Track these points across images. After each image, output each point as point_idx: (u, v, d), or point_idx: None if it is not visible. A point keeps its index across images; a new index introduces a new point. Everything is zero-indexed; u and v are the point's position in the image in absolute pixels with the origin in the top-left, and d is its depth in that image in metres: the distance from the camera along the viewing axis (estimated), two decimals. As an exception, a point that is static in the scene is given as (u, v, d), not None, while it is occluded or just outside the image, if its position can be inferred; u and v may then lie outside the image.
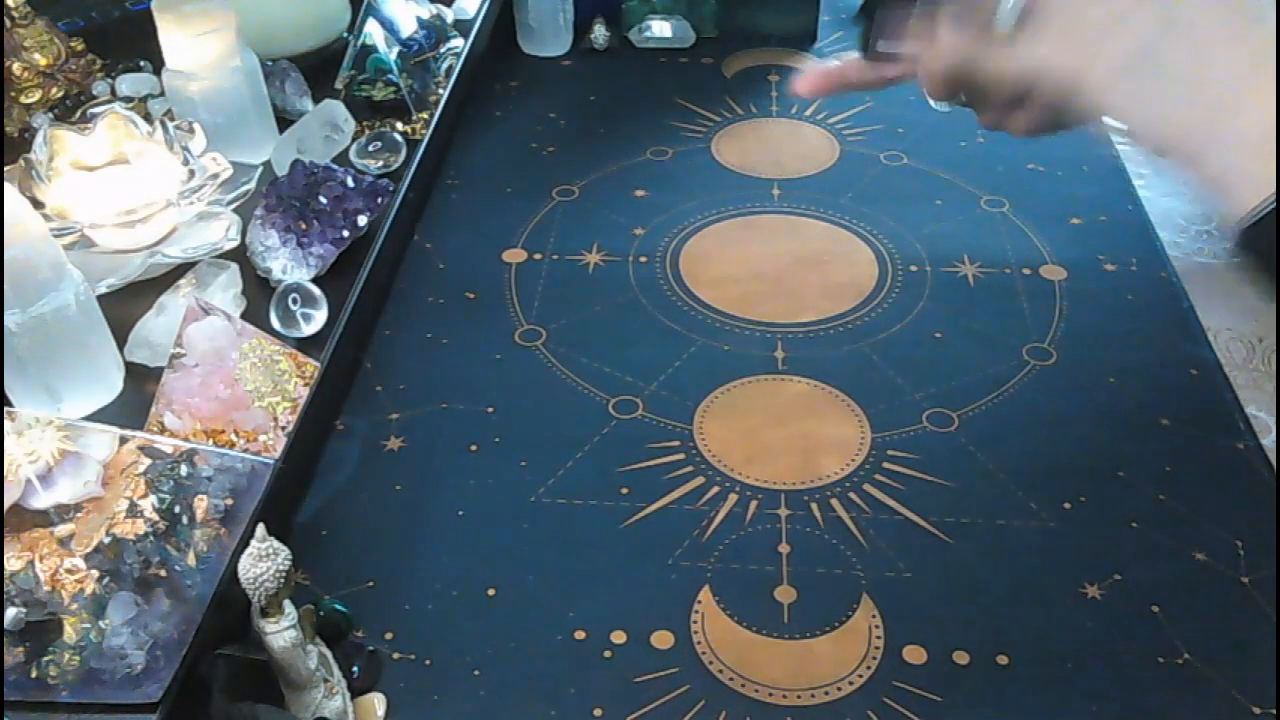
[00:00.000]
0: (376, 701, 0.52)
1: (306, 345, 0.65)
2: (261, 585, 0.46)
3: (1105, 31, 0.40)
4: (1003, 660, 0.54)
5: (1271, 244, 0.36)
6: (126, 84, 0.89)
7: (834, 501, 0.62)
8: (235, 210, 0.72)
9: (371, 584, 0.59)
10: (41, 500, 0.50)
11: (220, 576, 0.50)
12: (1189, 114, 0.38)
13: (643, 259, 0.82)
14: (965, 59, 0.43)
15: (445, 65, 0.94)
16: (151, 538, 0.49)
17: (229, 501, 0.54)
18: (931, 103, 0.47)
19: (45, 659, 0.47)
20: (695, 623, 0.56)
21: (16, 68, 0.83)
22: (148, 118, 0.72)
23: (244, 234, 0.71)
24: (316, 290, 0.67)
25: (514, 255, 0.83)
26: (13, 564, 0.48)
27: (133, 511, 0.50)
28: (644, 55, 1.10)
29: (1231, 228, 0.38)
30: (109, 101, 0.88)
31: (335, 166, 0.74)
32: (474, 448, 0.67)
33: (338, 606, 0.55)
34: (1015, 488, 0.63)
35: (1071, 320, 0.75)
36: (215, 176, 0.69)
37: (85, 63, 0.89)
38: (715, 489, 0.63)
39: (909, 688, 0.53)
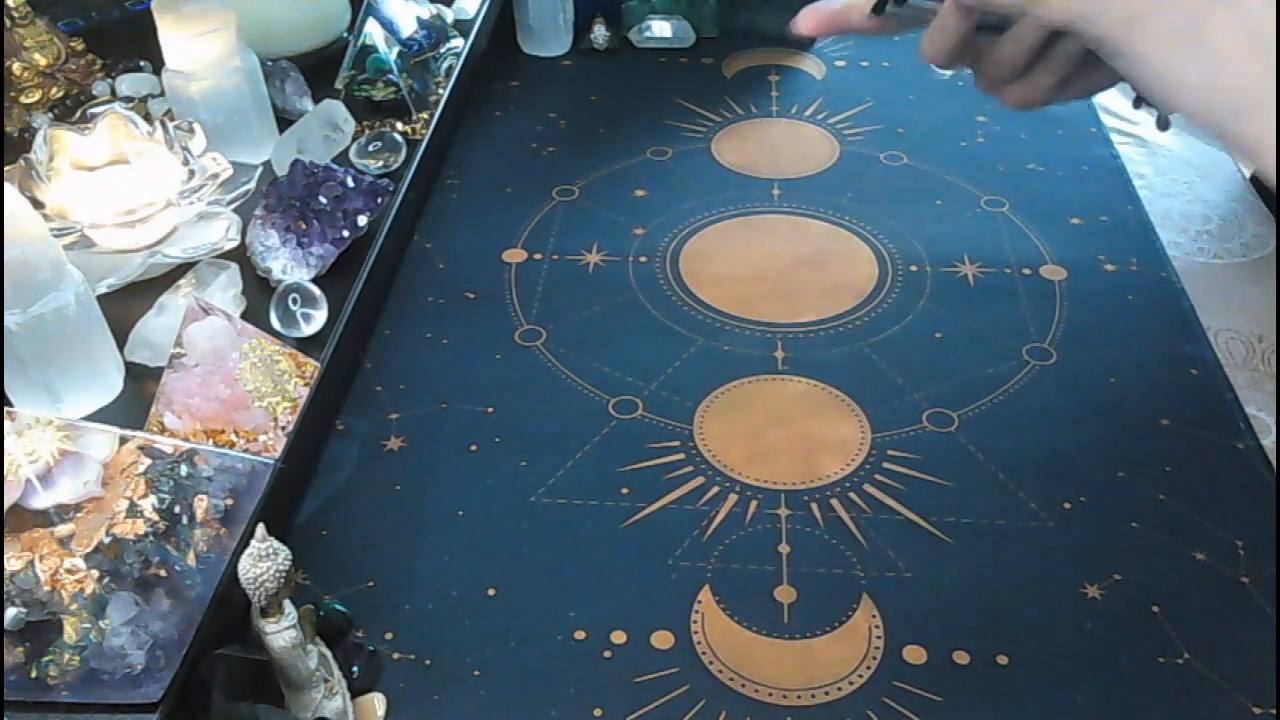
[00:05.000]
0: (376, 701, 0.52)
1: (306, 345, 0.65)
2: (261, 585, 0.46)
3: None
4: (1003, 660, 0.54)
5: None
6: (126, 84, 0.89)
7: (834, 501, 0.62)
8: (235, 210, 0.72)
9: (371, 584, 0.59)
10: (41, 500, 0.50)
11: (220, 576, 0.50)
12: (1232, 84, 0.38)
13: (643, 259, 0.82)
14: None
15: (445, 65, 0.94)
16: (151, 538, 0.49)
17: (229, 501, 0.54)
18: (934, 68, 0.47)
19: (45, 659, 0.47)
20: (695, 623, 0.56)
21: (16, 68, 0.83)
22: (148, 118, 0.72)
23: (244, 234, 0.71)
24: (316, 290, 0.67)
25: (514, 255, 0.83)
26: (13, 564, 0.48)
27: (133, 511, 0.50)
28: (644, 55, 1.10)
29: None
30: (109, 101, 0.88)
31: (335, 166, 0.74)
32: (474, 448, 0.67)
33: (338, 606, 0.55)
34: (1015, 488, 0.63)
35: (1071, 320, 0.75)
36: (215, 176, 0.69)
37: (85, 63, 0.89)
38: (715, 489, 0.63)
39: (909, 688, 0.53)
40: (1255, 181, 0.90)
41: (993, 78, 0.48)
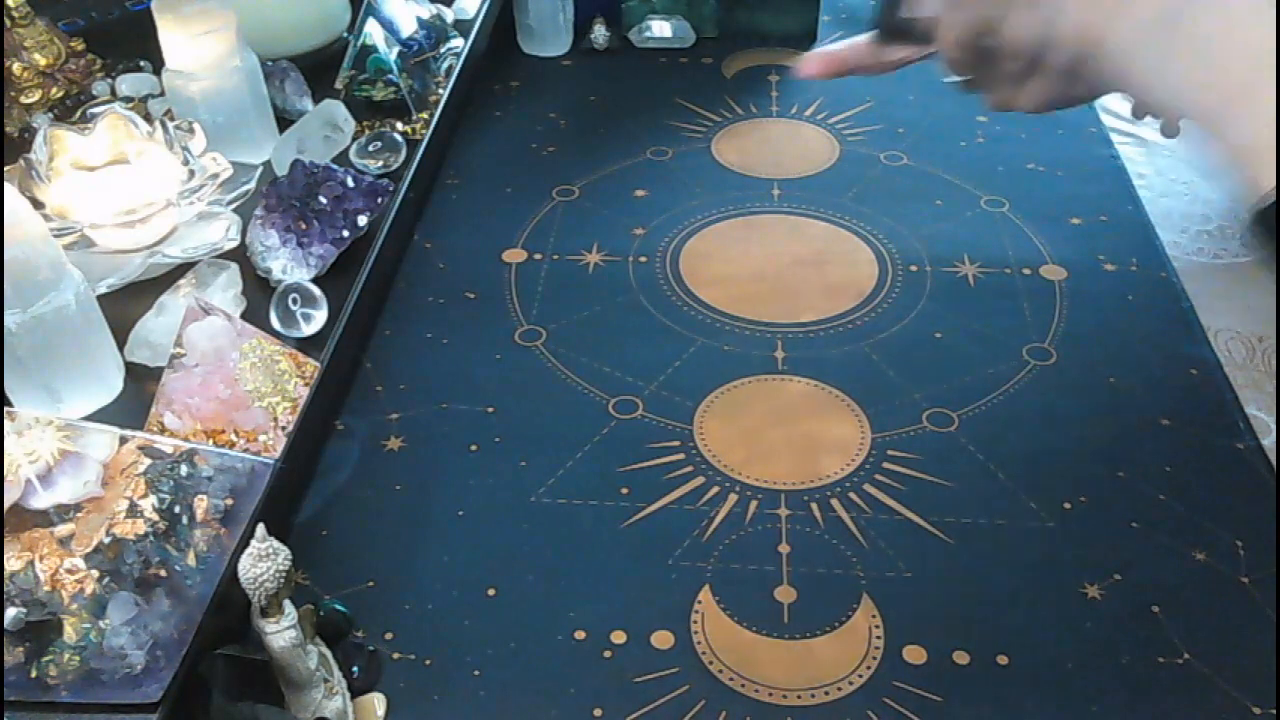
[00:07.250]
0: (376, 701, 0.52)
1: (306, 345, 0.65)
2: (261, 585, 0.46)
3: None
4: (1003, 660, 0.54)
5: None
6: (126, 84, 0.89)
7: (834, 501, 0.62)
8: (235, 210, 0.72)
9: (371, 584, 0.59)
10: (41, 500, 0.50)
11: (220, 576, 0.50)
12: (1214, 83, 0.37)
13: (643, 259, 0.82)
14: (986, 19, 0.41)
15: (445, 65, 0.94)
16: (151, 538, 0.49)
17: (229, 501, 0.54)
18: (946, 78, 0.47)
19: (45, 659, 0.47)
20: (695, 623, 0.56)
21: (16, 68, 0.83)
22: (148, 118, 0.72)
23: (244, 234, 0.71)
24: (316, 290, 0.67)
25: (514, 255, 0.83)
26: (13, 564, 0.48)
27: (133, 511, 0.50)
28: (644, 55, 1.10)
29: (1250, 204, 0.37)
30: (109, 101, 0.88)
31: (335, 166, 0.74)
32: (474, 448, 0.67)
33: (338, 606, 0.55)
34: (1015, 488, 0.63)
35: (1071, 320, 0.75)
36: (215, 176, 0.69)
37: (85, 63, 0.89)
38: (715, 489, 0.63)
39: (909, 688, 0.53)
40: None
41: (999, 94, 0.47)
